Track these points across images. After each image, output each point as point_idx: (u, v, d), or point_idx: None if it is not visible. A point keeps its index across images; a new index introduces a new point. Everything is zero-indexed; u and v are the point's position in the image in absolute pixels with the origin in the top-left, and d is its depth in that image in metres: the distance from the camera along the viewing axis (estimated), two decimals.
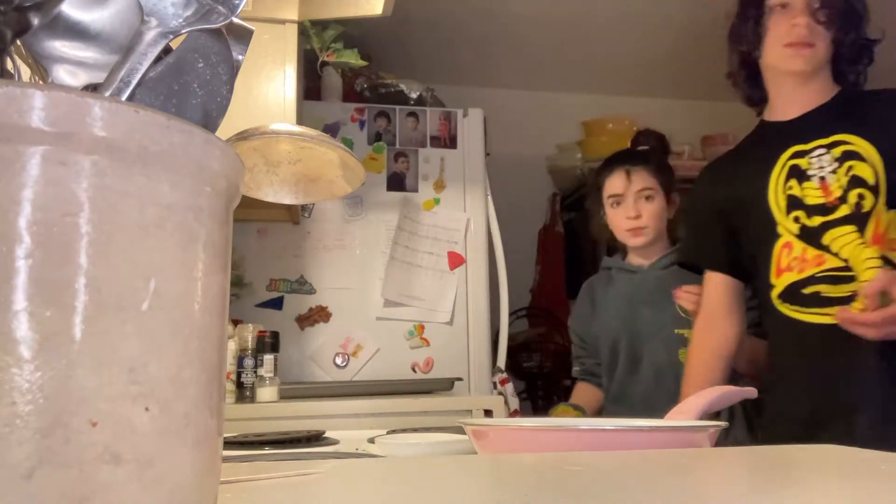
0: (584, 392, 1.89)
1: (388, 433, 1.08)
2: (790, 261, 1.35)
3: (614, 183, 1.82)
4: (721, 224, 1.50)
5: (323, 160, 0.38)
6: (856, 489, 0.40)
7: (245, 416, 1.57)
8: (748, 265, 1.48)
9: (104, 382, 0.22)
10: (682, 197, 1.85)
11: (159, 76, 0.30)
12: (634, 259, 1.86)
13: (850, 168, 1.31)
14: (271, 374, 1.71)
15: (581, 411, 1.75)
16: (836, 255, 1.30)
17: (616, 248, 2.00)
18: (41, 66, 0.31)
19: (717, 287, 1.52)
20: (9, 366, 0.20)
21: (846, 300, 1.25)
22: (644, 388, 1.71)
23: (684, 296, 1.62)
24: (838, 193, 1.31)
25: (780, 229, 1.37)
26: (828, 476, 0.46)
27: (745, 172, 1.47)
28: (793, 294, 1.35)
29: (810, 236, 1.33)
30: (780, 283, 1.37)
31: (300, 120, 1.82)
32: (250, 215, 2.14)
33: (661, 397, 1.58)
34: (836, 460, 0.54)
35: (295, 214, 2.16)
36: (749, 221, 1.44)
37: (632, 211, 1.78)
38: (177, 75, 0.31)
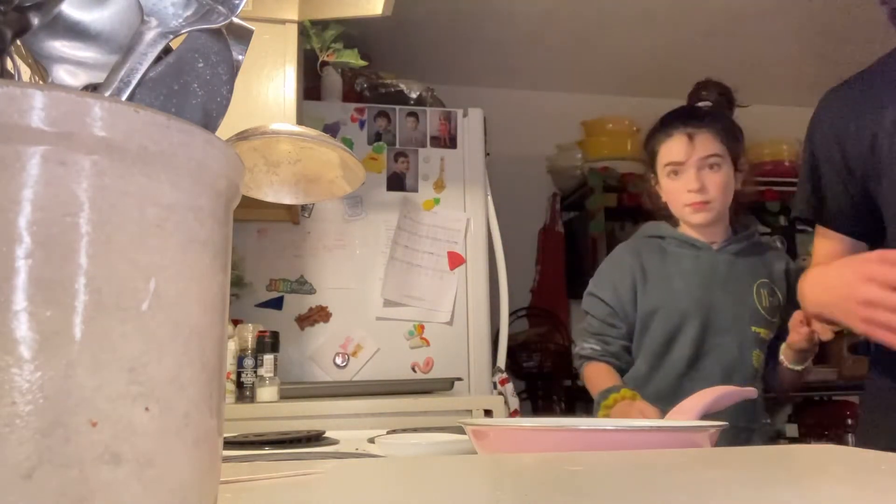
0: (602, 375, 1.51)
1: (388, 433, 1.08)
2: None
3: (673, 149, 1.52)
4: (850, 173, 1.12)
5: (323, 160, 0.38)
6: (856, 489, 0.40)
7: (245, 416, 1.57)
8: (873, 226, 1.12)
9: (104, 382, 0.22)
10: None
11: (159, 76, 0.30)
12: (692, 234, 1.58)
13: None
14: (271, 374, 1.71)
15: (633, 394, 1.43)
16: None
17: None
18: (41, 66, 0.31)
19: (835, 248, 1.18)
20: (9, 366, 0.20)
21: None
22: (703, 387, 1.36)
23: (799, 330, 1.33)
24: None
25: None
26: (828, 476, 0.46)
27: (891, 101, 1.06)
28: None
29: None
30: None
31: (300, 120, 1.82)
32: (250, 215, 2.14)
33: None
34: (836, 460, 0.54)
35: (295, 214, 2.16)
36: None
37: (694, 182, 1.49)
38: (177, 75, 0.31)
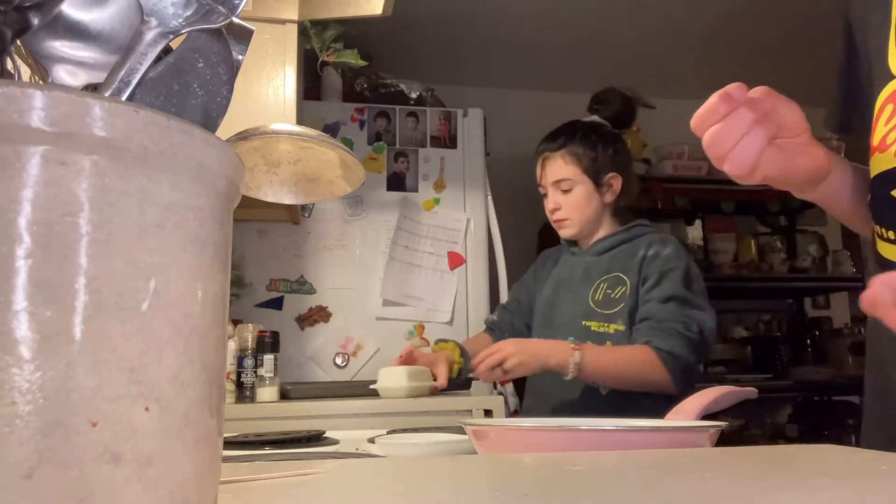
0: (476, 337, 1.81)
1: (388, 433, 1.08)
2: (888, 130, 0.66)
3: (536, 172, 1.67)
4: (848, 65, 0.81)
5: (323, 160, 0.38)
6: (856, 489, 0.40)
7: (245, 416, 1.57)
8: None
9: (104, 382, 0.22)
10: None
11: (159, 76, 0.30)
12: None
13: None
14: (271, 374, 1.71)
15: (461, 352, 1.67)
16: None
17: None
18: (41, 66, 0.31)
19: None
20: (9, 366, 0.20)
21: None
22: (550, 384, 1.54)
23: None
24: None
25: (891, 63, 0.63)
26: (828, 476, 0.46)
27: None
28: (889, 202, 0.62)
29: None
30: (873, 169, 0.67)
31: (300, 120, 1.82)
32: (250, 215, 2.14)
33: (557, 394, 1.52)
34: (836, 460, 0.54)
35: (295, 214, 2.16)
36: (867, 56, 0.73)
37: (550, 203, 1.63)
38: (177, 75, 0.31)
